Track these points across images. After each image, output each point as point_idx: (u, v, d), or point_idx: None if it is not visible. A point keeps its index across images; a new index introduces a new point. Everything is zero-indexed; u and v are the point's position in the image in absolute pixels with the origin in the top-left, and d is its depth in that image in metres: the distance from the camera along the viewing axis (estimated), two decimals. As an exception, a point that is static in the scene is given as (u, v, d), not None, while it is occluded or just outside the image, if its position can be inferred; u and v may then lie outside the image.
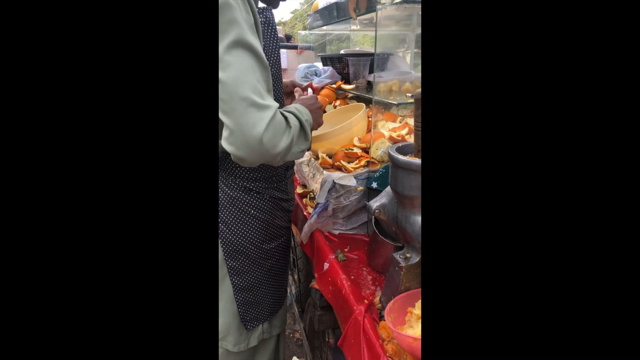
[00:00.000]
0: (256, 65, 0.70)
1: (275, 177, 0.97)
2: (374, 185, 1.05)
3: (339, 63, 1.64)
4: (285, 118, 0.75)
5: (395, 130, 1.11)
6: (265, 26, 0.84)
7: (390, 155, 0.75)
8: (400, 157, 0.72)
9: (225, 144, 0.70)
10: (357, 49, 2.16)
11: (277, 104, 0.73)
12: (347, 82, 1.55)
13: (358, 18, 1.26)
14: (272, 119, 0.69)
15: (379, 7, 0.97)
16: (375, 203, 0.83)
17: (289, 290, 1.95)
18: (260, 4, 0.91)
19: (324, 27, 1.86)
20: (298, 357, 1.73)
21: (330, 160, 1.15)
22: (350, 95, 1.58)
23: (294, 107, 0.86)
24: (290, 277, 1.89)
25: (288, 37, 2.46)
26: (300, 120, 0.82)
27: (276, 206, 0.99)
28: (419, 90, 0.71)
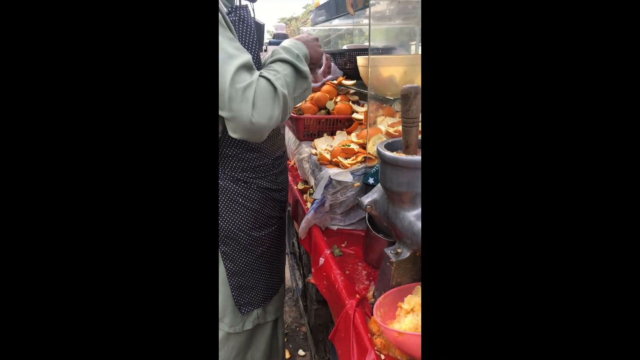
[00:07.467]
0: (231, 53, 0.74)
1: (262, 167, 0.99)
2: (371, 181, 1.05)
3: (341, 58, 1.64)
4: (268, 80, 0.79)
5: (393, 126, 1.11)
6: (239, 24, 0.85)
7: (378, 152, 0.75)
8: (387, 153, 0.73)
9: (230, 133, 0.79)
10: (366, 44, 2.14)
11: (256, 76, 0.77)
12: (349, 77, 1.55)
13: (356, 12, 1.25)
14: (255, 94, 0.74)
15: (372, 2, 0.97)
16: (367, 199, 0.84)
17: (294, 285, 1.98)
18: (237, 2, 0.93)
19: (334, 22, 1.85)
20: (304, 350, 1.75)
21: (328, 157, 1.15)
22: (352, 91, 1.58)
23: (281, 47, 0.89)
24: (297, 272, 1.91)
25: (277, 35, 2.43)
26: (291, 64, 0.85)
27: (265, 196, 1.01)
28: (407, 85, 0.71)
